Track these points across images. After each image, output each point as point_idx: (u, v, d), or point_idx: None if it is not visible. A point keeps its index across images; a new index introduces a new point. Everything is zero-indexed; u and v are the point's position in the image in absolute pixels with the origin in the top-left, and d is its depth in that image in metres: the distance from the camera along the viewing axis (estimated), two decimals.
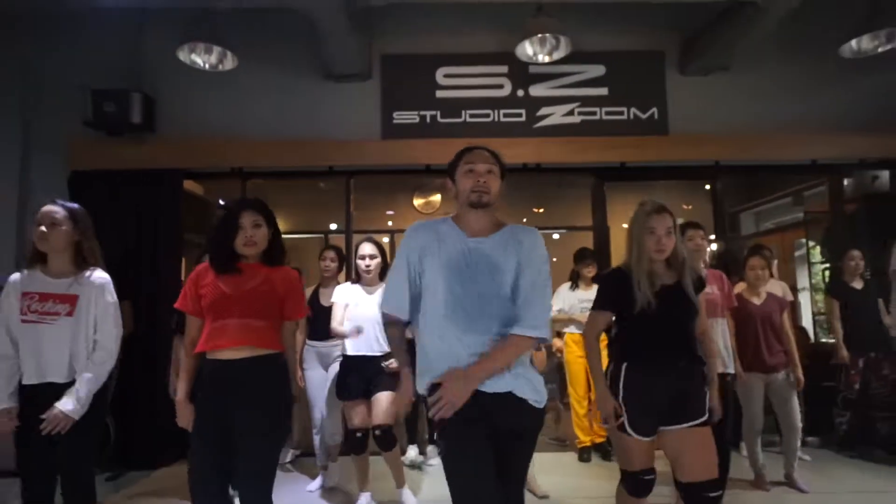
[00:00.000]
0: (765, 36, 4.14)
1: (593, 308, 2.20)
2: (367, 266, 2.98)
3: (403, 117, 4.49)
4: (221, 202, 5.34)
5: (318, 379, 3.42)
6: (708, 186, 4.89)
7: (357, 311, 2.97)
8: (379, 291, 2.84)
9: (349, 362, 2.98)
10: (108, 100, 4.08)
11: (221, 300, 1.90)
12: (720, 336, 2.93)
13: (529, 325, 1.55)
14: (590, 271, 3.99)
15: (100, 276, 2.15)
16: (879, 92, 4.49)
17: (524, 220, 7.17)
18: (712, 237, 5.28)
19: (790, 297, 3.85)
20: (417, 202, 6.22)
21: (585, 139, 4.45)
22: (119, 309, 2.20)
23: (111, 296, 2.16)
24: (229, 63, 3.83)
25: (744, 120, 4.51)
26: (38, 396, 2.01)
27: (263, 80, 4.39)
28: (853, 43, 3.74)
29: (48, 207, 2.11)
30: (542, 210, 6.97)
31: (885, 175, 4.66)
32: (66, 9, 4.14)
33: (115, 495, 3.41)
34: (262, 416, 1.87)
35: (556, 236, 6.67)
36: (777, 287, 3.65)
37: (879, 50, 3.74)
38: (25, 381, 2.05)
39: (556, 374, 4.36)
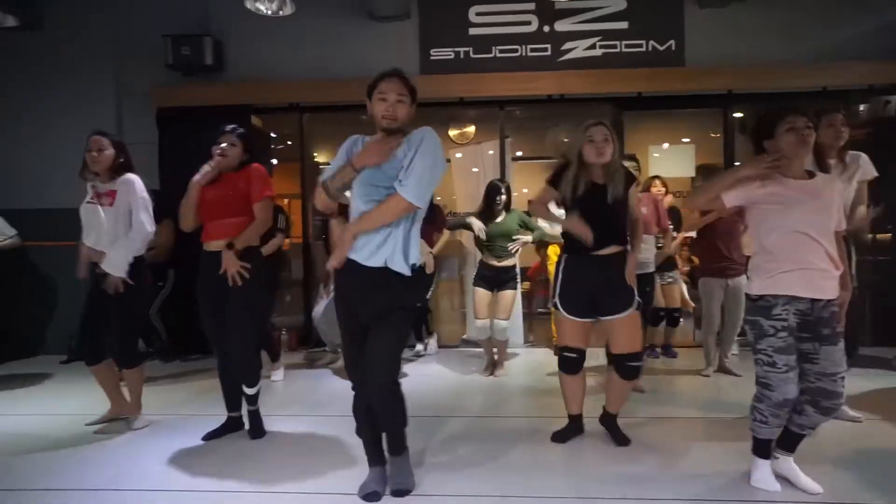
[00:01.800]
0: None
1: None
2: None
3: (439, 54, 4.89)
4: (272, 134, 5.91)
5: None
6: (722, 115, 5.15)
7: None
8: None
9: None
10: (184, 45, 4.63)
11: (205, 205, 2.56)
12: (651, 247, 3.56)
13: (404, 187, 1.80)
14: None
15: (130, 176, 2.77)
16: (889, 21, 4.58)
17: (538, 152, 7.43)
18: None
19: None
20: (452, 133, 6.54)
21: (606, 71, 4.76)
22: (148, 201, 2.81)
23: (140, 190, 2.76)
24: (288, 9, 4.27)
25: (757, 50, 4.71)
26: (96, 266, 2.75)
27: (315, 23, 4.83)
28: None
29: (96, 137, 2.76)
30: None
31: (895, 100, 4.82)
32: None
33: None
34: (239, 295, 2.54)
35: None
36: None
37: None
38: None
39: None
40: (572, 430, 2.65)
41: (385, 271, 1.86)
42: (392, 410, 1.97)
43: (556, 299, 2.54)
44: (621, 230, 2.48)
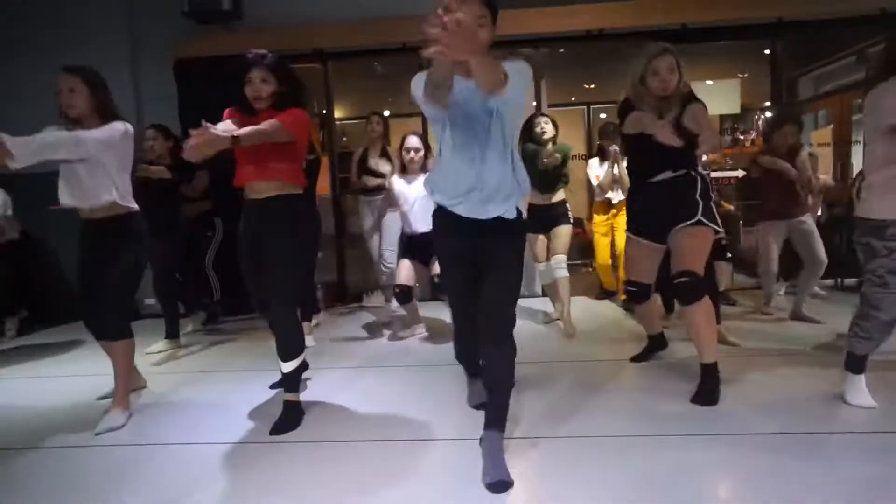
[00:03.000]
0: None
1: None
2: (412, 158, 3.33)
3: None
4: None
5: (371, 223, 4.24)
6: (767, 51, 4.80)
7: (408, 196, 3.37)
8: (421, 178, 3.17)
9: (411, 241, 3.43)
10: None
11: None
12: None
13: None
14: (615, 146, 4.06)
15: (118, 125, 2.30)
16: None
17: (573, 97, 7.11)
18: (767, 104, 5.29)
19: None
20: None
21: (647, 2, 4.40)
22: (112, 131, 2.27)
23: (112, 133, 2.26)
24: None
25: None
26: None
27: None
28: None
29: (62, 75, 2.26)
30: (593, 86, 6.90)
31: None
32: None
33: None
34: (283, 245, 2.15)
35: (603, 115, 6.63)
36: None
37: None
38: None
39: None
40: (654, 346, 2.79)
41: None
42: (510, 364, 1.77)
43: (631, 231, 2.55)
44: (684, 154, 2.28)
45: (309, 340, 3.41)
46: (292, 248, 2.17)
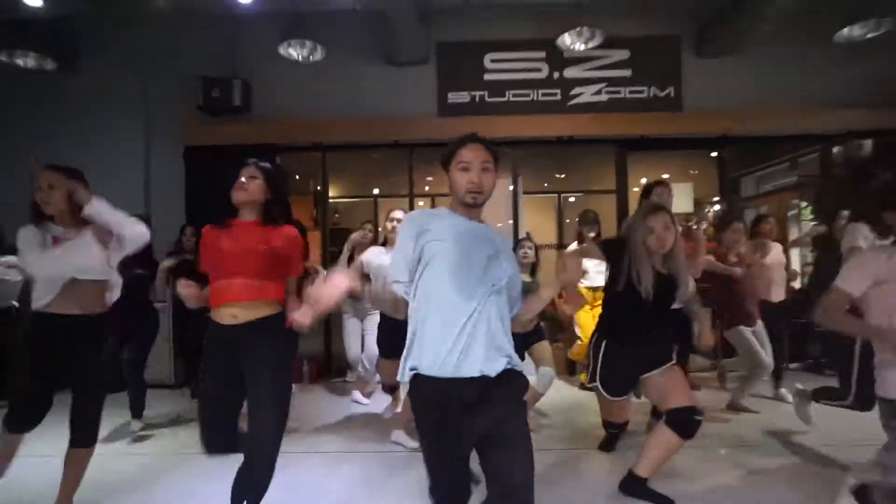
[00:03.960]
0: (769, 24, 4.62)
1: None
2: (394, 227, 3.13)
3: (456, 97, 5.09)
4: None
5: (353, 326, 4.12)
6: (715, 154, 5.46)
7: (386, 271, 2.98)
8: None
9: (389, 323, 3.08)
10: (214, 86, 4.73)
11: (220, 257, 1.91)
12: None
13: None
14: (591, 232, 4.06)
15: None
16: (867, 73, 4.96)
17: (545, 184, 7.69)
18: (716, 198, 5.90)
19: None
20: None
21: (611, 115, 5.02)
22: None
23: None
24: (318, 55, 4.44)
25: (748, 97, 5.04)
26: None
27: (338, 68, 4.99)
28: (846, 30, 4.24)
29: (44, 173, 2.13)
30: (563, 175, 7.50)
31: (868, 143, 5.19)
32: (179, 10, 4.73)
33: None
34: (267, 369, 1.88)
35: (571, 199, 7.18)
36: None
37: (868, 36, 4.24)
38: None
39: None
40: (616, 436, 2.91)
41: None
42: None
43: (598, 384, 2.43)
44: (670, 315, 2.37)
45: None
46: (285, 367, 2.00)
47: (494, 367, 1.47)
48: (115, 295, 2.33)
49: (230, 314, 1.88)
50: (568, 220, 5.97)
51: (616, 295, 2.32)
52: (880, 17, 4.12)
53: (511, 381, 1.51)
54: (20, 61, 4.17)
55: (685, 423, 2.23)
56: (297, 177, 6.10)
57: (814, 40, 4.83)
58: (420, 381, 1.50)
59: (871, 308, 1.90)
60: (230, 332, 1.87)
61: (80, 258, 2.10)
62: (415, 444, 2.96)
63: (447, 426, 1.46)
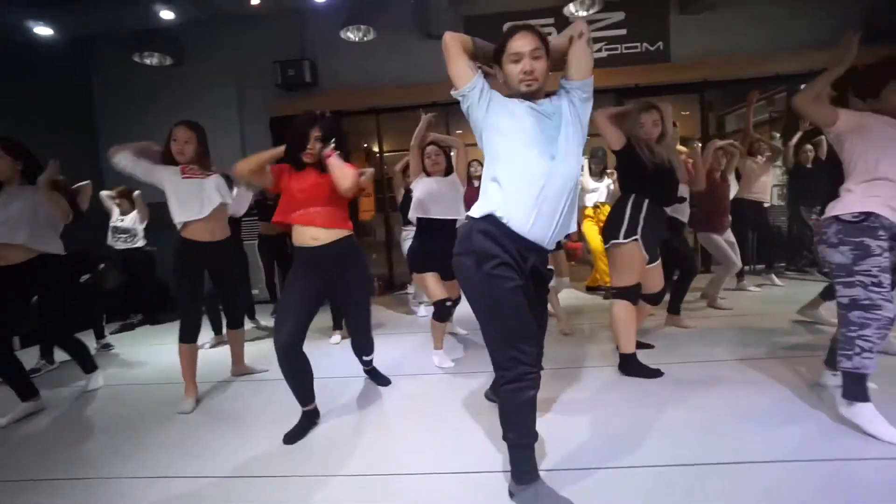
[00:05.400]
0: None
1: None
2: (433, 161, 3.22)
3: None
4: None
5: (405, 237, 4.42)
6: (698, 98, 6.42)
7: (432, 190, 3.14)
8: (445, 178, 3.19)
9: (426, 227, 3.12)
10: (289, 68, 5.86)
11: (294, 195, 2.29)
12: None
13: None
14: (597, 166, 5.07)
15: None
16: (820, 21, 5.77)
17: None
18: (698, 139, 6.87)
19: None
20: None
21: (610, 69, 6.00)
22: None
23: None
24: (371, 36, 5.50)
25: (725, 47, 5.94)
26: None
27: (386, 44, 6.03)
28: None
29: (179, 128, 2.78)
30: None
31: None
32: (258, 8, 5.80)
33: None
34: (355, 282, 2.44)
35: None
36: None
37: None
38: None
39: None
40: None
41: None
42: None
43: (638, 236, 2.59)
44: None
45: (336, 337, 3.93)
46: (364, 274, 2.54)
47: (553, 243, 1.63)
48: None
49: (310, 236, 2.29)
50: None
51: (642, 168, 2.56)
52: None
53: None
54: (148, 60, 5.37)
55: (653, 299, 2.84)
56: (353, 137, 7.26)
57: None
58: (495, 226, 1.56)
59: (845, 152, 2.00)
60: (314, 253, 2.29)
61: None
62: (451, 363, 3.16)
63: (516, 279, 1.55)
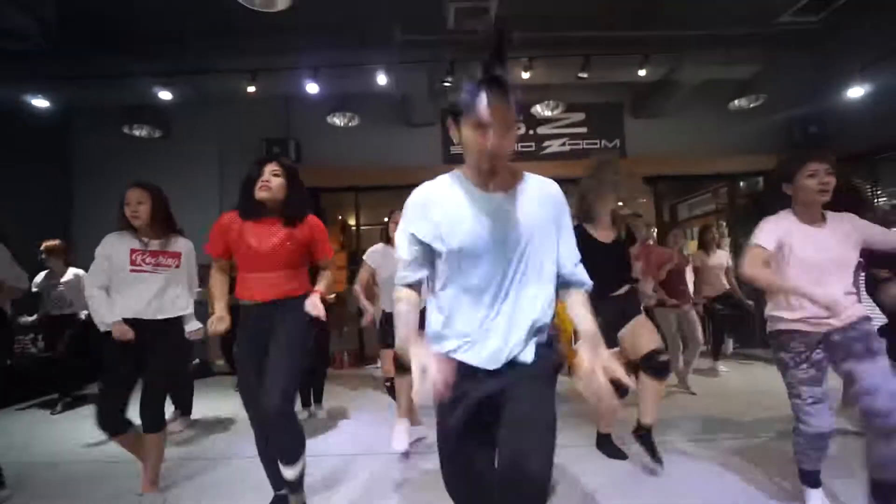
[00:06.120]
0: (682, 95, 6.24)
1: None
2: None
3: (456, 149, 6.47)
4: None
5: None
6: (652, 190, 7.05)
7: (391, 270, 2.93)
8: None
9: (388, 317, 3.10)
10: (275, 144, 6.11)
11: (250, 254, 2.05)
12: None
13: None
14: None
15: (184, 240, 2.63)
16: (753, 130, 6.54)
17: None
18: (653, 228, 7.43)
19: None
20: None
21: (573, 161, 6.54)
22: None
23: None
24: (355, 122, 5.88)
25: (673, 146, 6.64)
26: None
27: (369, 130, 6.42)
28: (736, 101, 5.86)
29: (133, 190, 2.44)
30: None
31: (760, 180, 6.81)
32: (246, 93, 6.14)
33: None
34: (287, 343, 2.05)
35: None
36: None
37: (751, 106, 5.85)
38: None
39: None
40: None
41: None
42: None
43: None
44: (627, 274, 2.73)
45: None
46: (302, 337, 2.12)
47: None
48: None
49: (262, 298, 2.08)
50: None
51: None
52: (758, 93, 5.76)
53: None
54: (137, 132, 5.52)
55: (657, 364, 2.51)
56: (329, 210, 7.45)
57: (716, 107, 6.42)
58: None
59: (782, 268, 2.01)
60: (262, 310, 2.07)
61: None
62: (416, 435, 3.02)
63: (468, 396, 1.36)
